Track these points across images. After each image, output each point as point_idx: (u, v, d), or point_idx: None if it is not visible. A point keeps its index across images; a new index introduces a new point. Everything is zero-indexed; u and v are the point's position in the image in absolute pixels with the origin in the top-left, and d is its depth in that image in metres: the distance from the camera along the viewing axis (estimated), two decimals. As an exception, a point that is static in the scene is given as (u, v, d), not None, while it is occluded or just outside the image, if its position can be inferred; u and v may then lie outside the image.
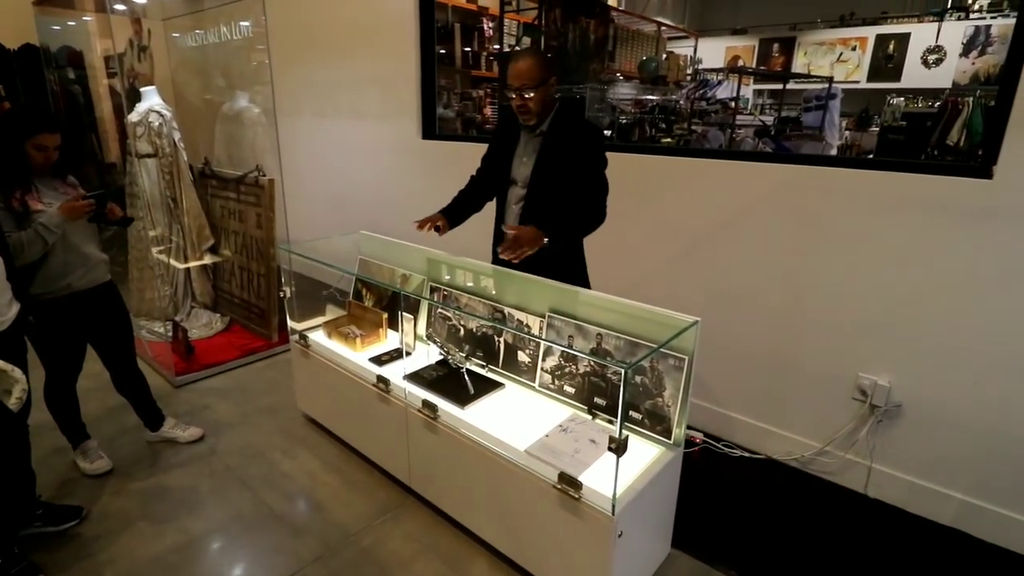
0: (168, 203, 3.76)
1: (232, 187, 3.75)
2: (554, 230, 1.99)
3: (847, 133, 5.66)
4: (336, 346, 2.61)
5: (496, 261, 2.22)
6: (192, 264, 3.87)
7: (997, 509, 2.04)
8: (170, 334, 3.49)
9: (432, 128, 3.67)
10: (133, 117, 3.56)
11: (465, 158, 3.50)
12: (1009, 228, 1.87)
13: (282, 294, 2.70)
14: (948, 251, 2.00)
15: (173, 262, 3.85)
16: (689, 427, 2.67)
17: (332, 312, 2.92)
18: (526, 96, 1.98)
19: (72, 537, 2.08)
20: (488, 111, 5.08)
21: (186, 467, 2.47)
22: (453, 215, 2.32)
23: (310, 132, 4.57)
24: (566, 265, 2.17)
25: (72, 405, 2.39)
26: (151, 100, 3.58)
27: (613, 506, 1.56)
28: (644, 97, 5.41)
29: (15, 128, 2.01)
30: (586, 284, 2.21)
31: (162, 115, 3.56)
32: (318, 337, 2.70)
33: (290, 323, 2.76)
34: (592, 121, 3.87)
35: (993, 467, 2.04)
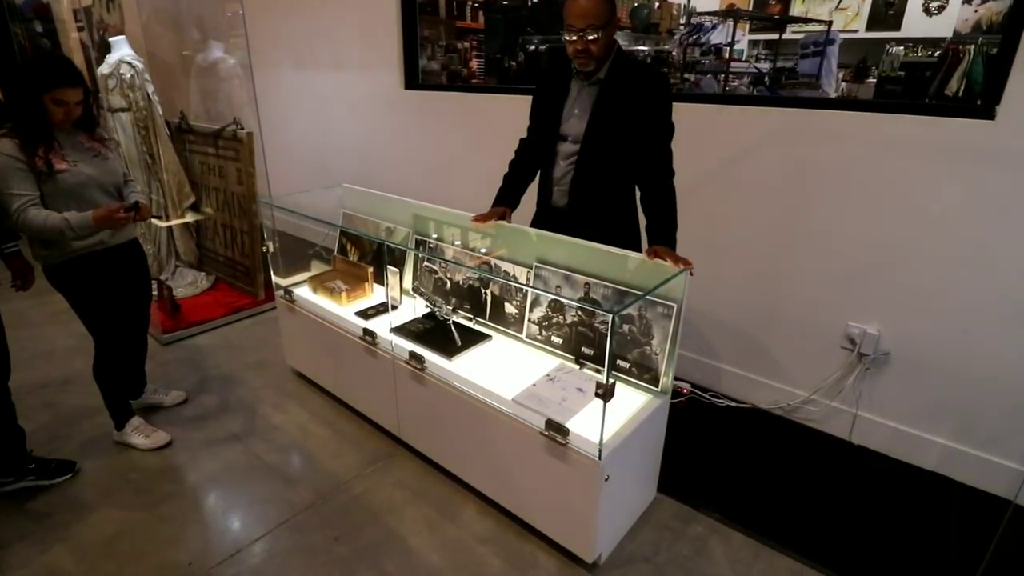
0: (145, 160, 3.64)
1: (210, 142, 3.63)
2: (668, 237, 1.83)
3: (843, 85, 5.52)
4: (322, 301, 2.58)
5: (539, 224, 2.07)
6: (174, 222, 3.78)
7: (979, 453, 2.08)
8: (155, 293, 3.44)
9: (415, 78, 3.55)
10: (104, 69, 3.41)
11: (451, 109, 3.42)
12: (1009, 171, 1.83)
13: (265, 249, 2.65)
14: (943, 196, 1.97)
15: (154, 220, 3.77)
16: (678, 378, 2.69)
17: (318, 268, 2.87)
18: (589, 39, 1.71)
19: (65, 492, 2.09)
20: (474, 65, 4.91)
21: (176, 424, 2.47)
22: (512, 198, 2.12)
23: (289, 84, 4.42)
24: (624, 220, 1.98)
25: (122, 379, 2.31)
26: (121, 51, 3.42)
27: (600, 451, 1.57)
28: (635, 48, 5.23)
29: (32, 81, 1.84)
30: (638, 240, 2.02)
31: (134, 67, 3.40)
32: (304, 292, 2.66)
33: (275, 279, 2.72)
34: (657, 68, 3.62)
35: (976, 413, 2.06)
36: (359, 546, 1.85)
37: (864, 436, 2.32)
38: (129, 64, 3.38)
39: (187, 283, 3.83)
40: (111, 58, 3.40)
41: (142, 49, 3.76)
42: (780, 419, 2.51)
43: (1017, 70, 1.77)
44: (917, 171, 2.00)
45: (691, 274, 1.72)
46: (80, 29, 4.82)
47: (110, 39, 3.45)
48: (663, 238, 1.83)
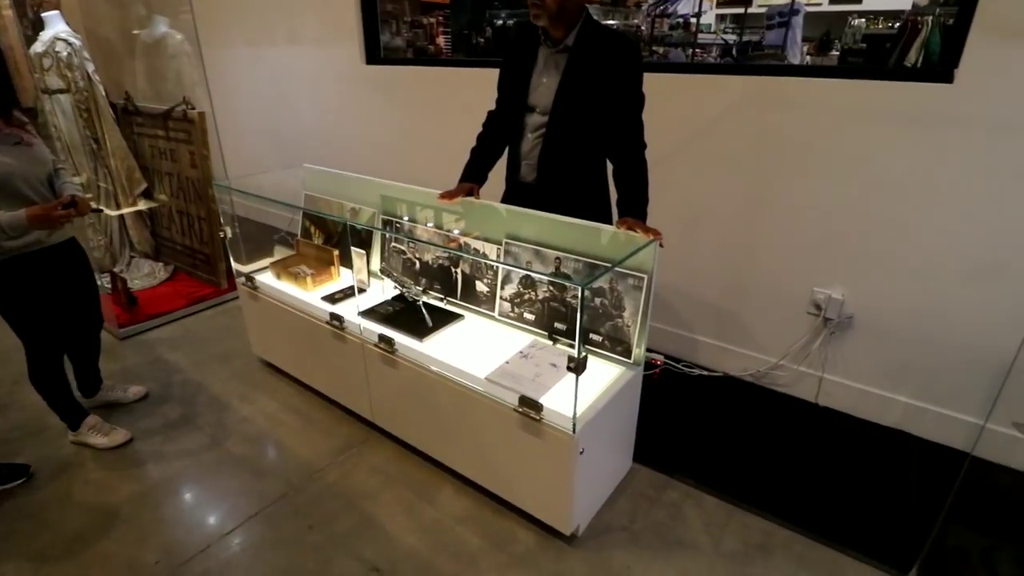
0: (90, 145, 3.45)
1: (160, 123, 3.45)
2: (640, 209, 1.81)
3: (808, 58, 5.57)
4: (287, 287, 2.49)
5: (509, 200, 2.03)
6: (125, 211, 3.60)
7: (938, 409, 2.16)
8: (109, 286, 3.29)
9: (376, 52, 3.42)
10: (38, 47, 3.20)
11: (415, 84, 3.31)
12: (968, 134, 1.86)
13: (222, 235, 2.54)
14: (903, 160, 2.00)
15: (105, 209, 3.58)
16: (651, 350, 2.71)
17: (281, 254, 2.78)
18: None
19: (18, 497, 1.99)
20: (441, 41, 4.77)
21: (137, 421, 2.37)
22: (480, 173, 2.06)
23: (243, 62, 4.22)
24: (595, 194, 1.94)
25: (62, 382, 2.15)
26: (56, 27, 3.20)
27: (574, 425, 1.56)
28: (605, 22, 5.17)
29: None
30: (608, 213, 1.97)
31: (70, 44, 3.19)
32: (267, 279, 2.57)
33: (235, 265, 2.62)
34: (628, 34, 3.54)
35: (936, 371, 2.13)
36: (334, 533, 1.82)
37: (830, 398, 2.39)
38: (65, 41, 3.17)
39: (143, 274, 3.67)
40: (45, 35, 3.18)
41: (80, 25, 3.53)
42: (751, 385, 2.56)
43: (975, 33, 1.79)
44: (879, 137, 2.02)
45: (661, 245, 1.71)
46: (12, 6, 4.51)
47: (43, 14, 3.22)
48: (634, 210, 1.81)
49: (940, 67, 1.91)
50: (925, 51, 3.19)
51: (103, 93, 3.36)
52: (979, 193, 1.89)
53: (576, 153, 1.86)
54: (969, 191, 1.91)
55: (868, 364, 2.27)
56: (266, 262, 2.68)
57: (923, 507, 1.89)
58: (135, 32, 3.64)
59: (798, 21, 4.47)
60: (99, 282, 3.34)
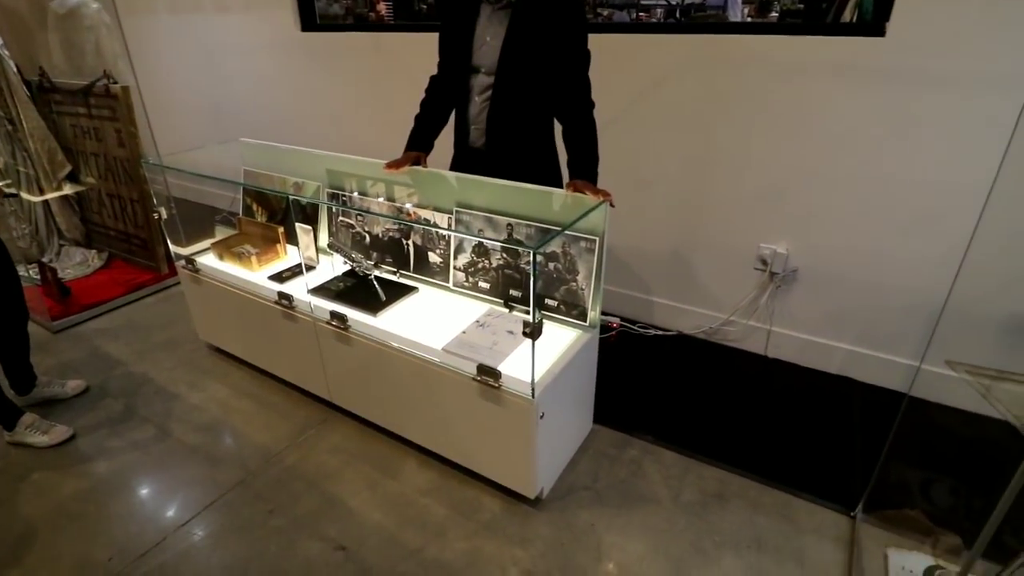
0: (4, 126, 3.18)
1: (80, 100, 3.20)
2: (588, 171, 1.78)
3: (748, 19, 5.64)
4: (231, 268, 2.39)
5: (458, 167, 1.99)
6: (49, 196, 3.36)
7: (877, 354, 2.27)
8: (38, 277, 3.08)
9: (312, 17, 3.25)
10: (-70, 18, 2.89)
11: (355, 51, 3.17)
12: (897, 85, 1.92)
13: (156, 216, 2.39)
14: (840, 114, 2.04)
15: (26, 195, 3.33)
16: (607, 313, 2.74)
17: (223, 234, 2.65)
18: None
19: (-51, 502, 1.87)
20: (382, 8, 4.56)
21: (81, 416, 2.25)
22: (425, 141, 1.99)
23: (167, 31, 3.94)
24: (544, 158, 1.92)
25: None
26: (-51, -5, 2.90)
27: (532, 390, 1.57)
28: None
29: None
30: (559, 176, 1.97)
31: (-32, 13, 2.90)
32: (209, 261, 2.45)
33: (174, 248, 2.48)
34: None
35: (875, 318, 2.23)
36: (297, 515, 1.79)
37: (778, 349, 2.48)
38: (-39, 12, 2.88)
39: (75, 263, 3.45)
40: (-63, 5, 2.88)
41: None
42: (704, 342, 2.62)
43: (905, -15, 1.83)
44: (818, 93, 2.06)
45: (611, 205, 1.70)
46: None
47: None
48: (583, 171, 1.79)
49: (873, 21, 1.95)
50: (859, 8, 3.28)
51: (15, 69, 3.09)
52: (910, 144, 1.96)
53: (525, 115, 1.82)
54: (899, 144, 1.98)
55: (813, 315, 2.36)
56: (207, 243, 2.56)
57: (867, 447, 2.00)
58: (47, 1, 3.34)
59: (738, -18, 4.51)
60: (27, 273, 3.14)
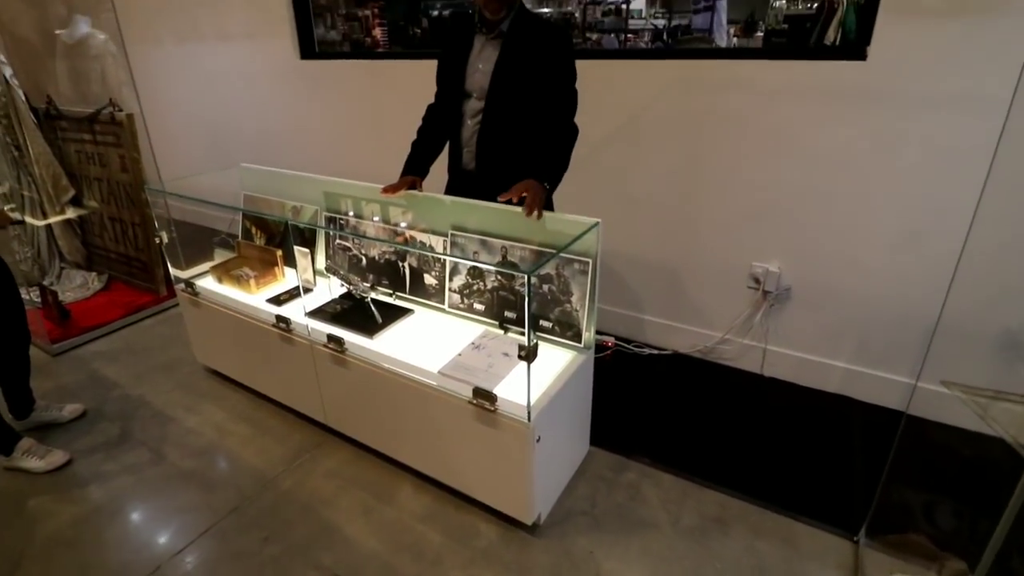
0: (11, 153, 3.23)
1: (85, 127, 3.25)
2: (546, 171, 1.80)
3: (734, 40, 5.76)
4: (229, 291, 2.40)
5: (452, 191, 2.03)
6: (53, 220, 3.40)
7: (874, 372, 2.26)
8: (39, 300, 3.10)
9: (311, 46, 3.32)
10: (-59, 49, 2.96)
11: (353, 78, 3.23)
12: (881, 107, 1.95)
13: (158, 240, 2.42)
14: (826, 136, 2.08)
15: (30, 219, 3.36)
16: (601, 332, 2.74)
17: (222, 257, 2.67)
18: None
19: (-57, 529, 1.86)
20: (378, 33, 4.66)
21: (78, 440, 2.25)
22: (421, 166, 2.04)
23: (171, 59, 4.03)
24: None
25: None
26: (-40, 26, 2.97)
27: (529, 413, 1.56)
28: (537, 10, 5.17)
29: None
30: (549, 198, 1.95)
31: (-22, 44, 2.97)
32: (208, 284, 2.47)
33: (173, 271, 2.50)
34: (557, 23, 3.56)
35: (868, 335, 2.23)
36: (292, 543, 1.77)
37: (774, 368, 2.47)
38: (-29, 43, 2.95)
39: (76, 286, 3.47)
40: (-52, 37, 2.95)
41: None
42: (699, 361, 2.62)
43: (883, 13, 1.88)
44: (802, 114, 2.10)
45: (539, 217, 1.71)
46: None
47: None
48: (538, 170, 1.81)
49: (854, 45, 2.00)
50: (842, 29, 3.35)
51: (23, 97, 3.15)
52: (894, 165, 1.99)
53: (513, 137, 1.88)
54: (885, 164, 2.00)
55: (808, 333, 2.36)
56: (206, 266, 2.58)
57: (867, 468, 1.98)
58: (56, 32, 3.42)
59: (723, 4, 4.59)
60: (28, 296, 3.16)
